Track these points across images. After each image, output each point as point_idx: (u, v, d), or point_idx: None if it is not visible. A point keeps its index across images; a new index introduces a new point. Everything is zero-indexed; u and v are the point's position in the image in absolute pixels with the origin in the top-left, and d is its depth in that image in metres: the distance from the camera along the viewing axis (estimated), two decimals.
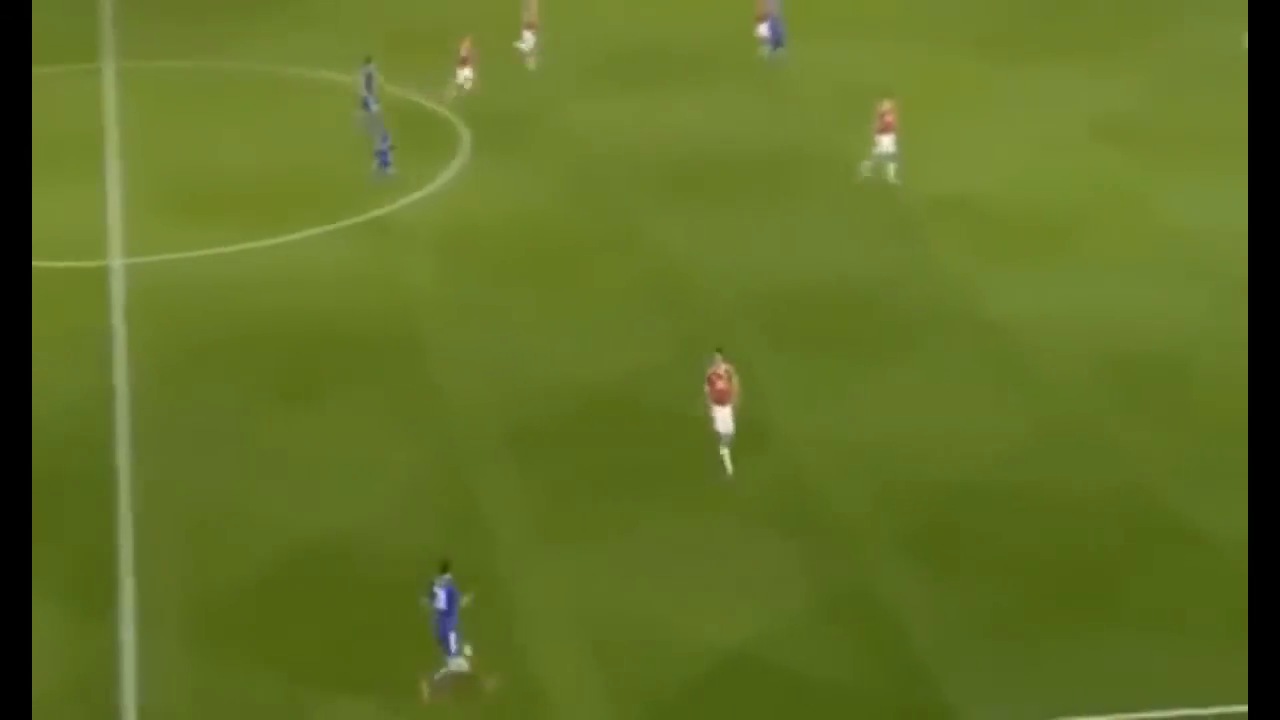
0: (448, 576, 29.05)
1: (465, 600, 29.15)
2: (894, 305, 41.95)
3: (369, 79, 52.54)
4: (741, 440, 34.61)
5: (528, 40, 57.62)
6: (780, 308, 42.04)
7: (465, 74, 54.81)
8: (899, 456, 35.87)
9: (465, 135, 52.92)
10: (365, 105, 52.34)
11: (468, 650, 29.13)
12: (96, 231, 47.08)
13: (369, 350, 40.64)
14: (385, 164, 50.09)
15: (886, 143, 48.57)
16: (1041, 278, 42.48)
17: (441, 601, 28.93)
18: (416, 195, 49.23)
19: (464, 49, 54.99)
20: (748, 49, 57.28)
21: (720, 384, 34.84)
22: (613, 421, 37.15)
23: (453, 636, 29.02)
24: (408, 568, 31.11)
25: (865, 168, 48.62)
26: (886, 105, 48.81)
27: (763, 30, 57.81)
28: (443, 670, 29.14)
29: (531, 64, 57.54)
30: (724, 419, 34.75)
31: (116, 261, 45.48)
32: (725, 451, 34.84)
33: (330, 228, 47.16)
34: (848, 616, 31.33)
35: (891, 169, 48.49)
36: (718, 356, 35.31)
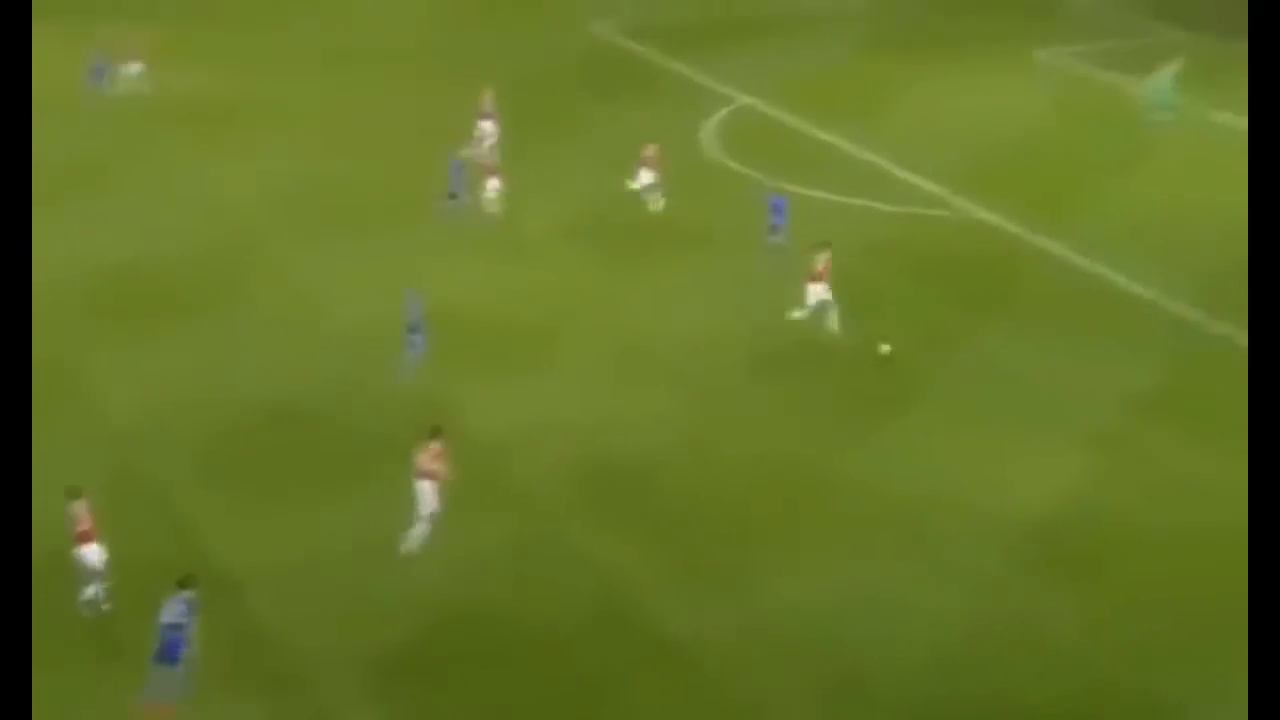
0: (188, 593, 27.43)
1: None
2: (348, 427, 35.54)
3: None
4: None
5: None
6: (218, 438, 35.08)
7: None
8: (346, 579, 30.56)
9: None
10: None
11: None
12: None
13: None
14: None
15: None
16: (509, 386, 37.30)
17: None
18: None
19: None
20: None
21: (429, 465, 31.45)
22: None
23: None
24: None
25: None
26: None
27: None
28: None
29: None
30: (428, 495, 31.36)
31: None
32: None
33: None
34: None
35: None
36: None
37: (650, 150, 46.69)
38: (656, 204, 46.52)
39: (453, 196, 45.86)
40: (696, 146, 51.88)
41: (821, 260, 39.48)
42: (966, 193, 48.04)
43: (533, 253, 44.19)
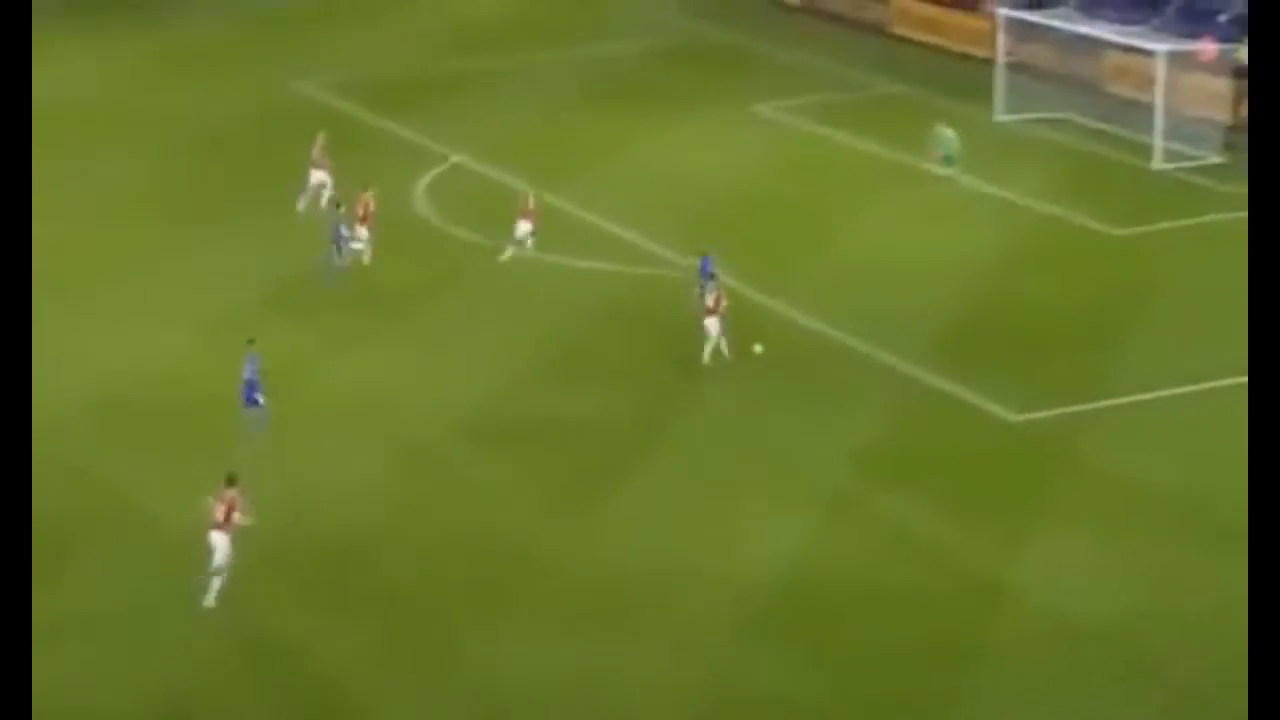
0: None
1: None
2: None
3: None
4: None
5: None
6: None
7: None
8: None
9: None
10: None
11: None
12: None
13: None
14: None
15: None
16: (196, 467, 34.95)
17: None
18: None
19: None
20: None
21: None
22: None
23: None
24: None
25: None
26: None
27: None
28: None
29: None
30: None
31: None
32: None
33: None
34: None
35: None
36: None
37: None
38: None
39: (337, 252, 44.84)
40: (409, 207, 50.55)
41: None
42: (689, 251, 47.49)
43: (230, 321, 42.50)
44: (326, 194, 48.75)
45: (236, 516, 31.01)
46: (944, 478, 36.06)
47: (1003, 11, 60.93)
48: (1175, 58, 55.35)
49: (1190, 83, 56.58)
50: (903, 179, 52.99)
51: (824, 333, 43.02)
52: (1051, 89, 59.11)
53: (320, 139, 49.91)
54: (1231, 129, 55.42)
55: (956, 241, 48.63)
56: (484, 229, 48.51)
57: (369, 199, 46.13)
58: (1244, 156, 54.17)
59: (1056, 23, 59.76)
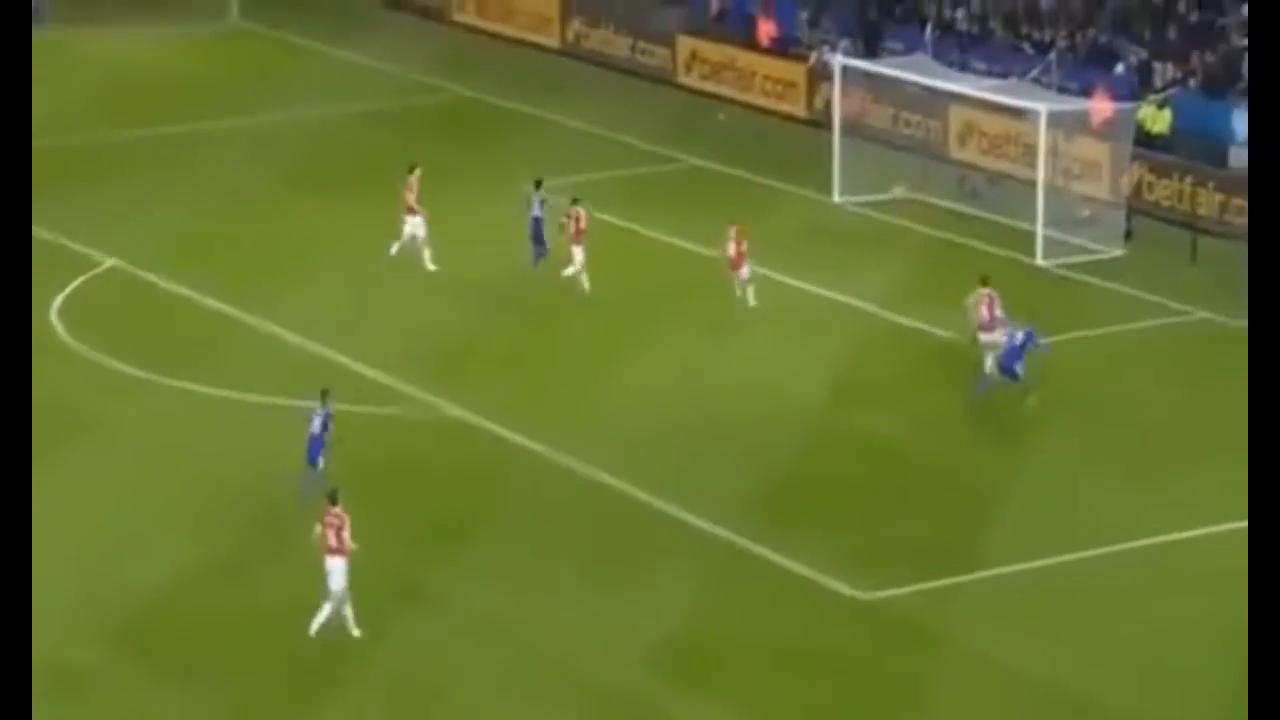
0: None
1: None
2: None
3: None
4: None
5: None
6: None
7: None
8: None
9: None
10: None
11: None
12: None
13: None
14: None
15: None
16: None
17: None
18: None
19: None
20: None
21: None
22: None
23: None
24: None
25: None
26: None
27: None
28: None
29: None
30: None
31: None
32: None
33: None
34: None
35: None
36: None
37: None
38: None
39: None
40: (41, 330, 50.20)
41: None
42: (426, 383, 47.87)
43: None
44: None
45: (346, 537, 37.07)
46: (774, 676, 36.34)
47: (836, 59, 62.12)
48: (1061, 119, 56.72)
49: (1081, 152, 58.16)
50: (712, 282, 53.45)
51: (611, 486, 43.50)
52: (905, 160, 60.54)
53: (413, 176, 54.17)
54: (1136, 212, 57.07)
55: (782, 362, 49.58)
56: (150, 357, 48.83)
57: (580, 214, 52.02)
58: (1151, 249, 55.95)
59: (907, 74, 60.60)
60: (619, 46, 73.53)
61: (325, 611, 37.17)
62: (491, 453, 43.81)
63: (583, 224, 52.40)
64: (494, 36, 77.47)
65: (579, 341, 51.21)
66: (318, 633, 37.08)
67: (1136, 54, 62.71)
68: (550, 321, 52.24)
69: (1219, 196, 57.19)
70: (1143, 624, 37.85)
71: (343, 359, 49.37)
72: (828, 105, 62.08)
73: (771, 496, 42.94)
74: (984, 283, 47.25)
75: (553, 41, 75.75)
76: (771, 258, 53.71)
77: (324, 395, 42.31)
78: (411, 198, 54.16)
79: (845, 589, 39.25)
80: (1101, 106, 58.21)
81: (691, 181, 62.43)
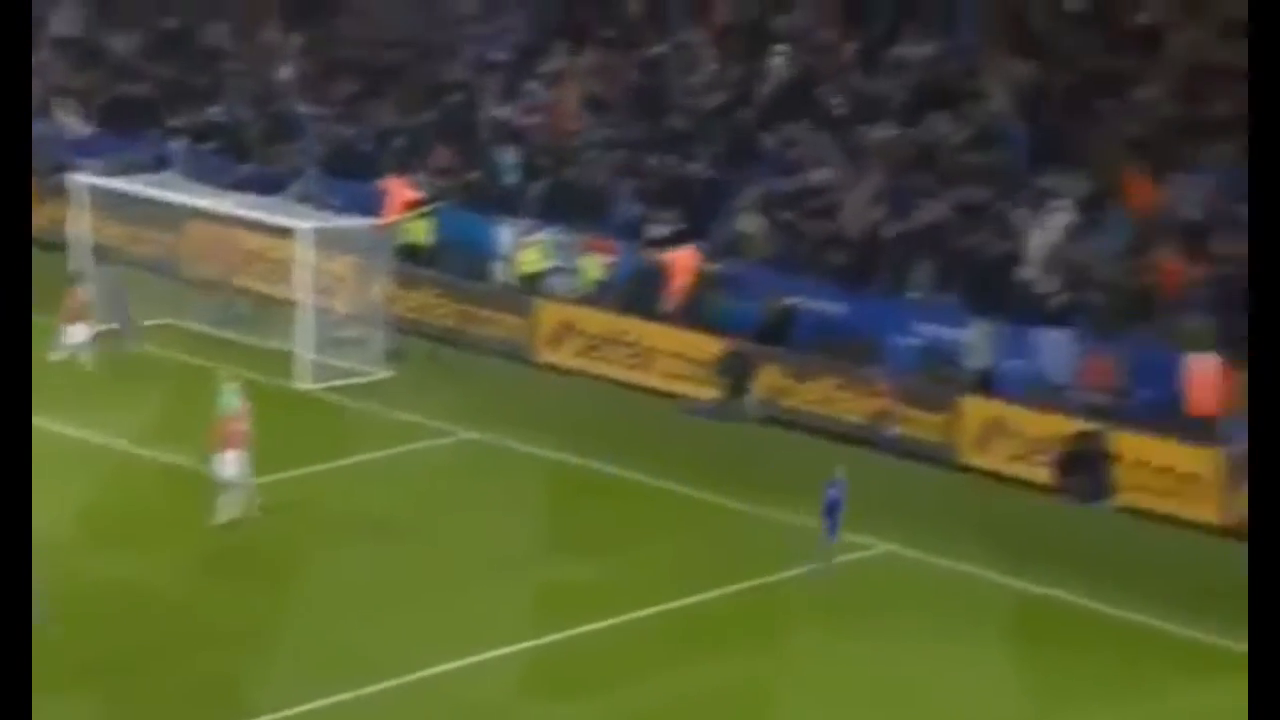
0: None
1: None
2: None
3: None
4: None
5: None
6: None
7: None
8: None
9: None
10: None
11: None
12: None
13: None
14: None
15: None
16: None
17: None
18: None
19: None
20: None
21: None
22: None
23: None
24: None
25: None
26: None
27: None
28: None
29: None
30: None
31: None
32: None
33: None
34: None
35: None
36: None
37: None
38: None
39: None
40: None
41: None
42: None
43: None
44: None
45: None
46: None
47: (81, 179, 60.53)
48: (322, 236, 56.49)
49: (341, 270, 58.00)
50: None
51: None
52: (171, 287, 59.92)
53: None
54: (406, 331, 57.34)
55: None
56: None
57: None
58: (417, 368, 56.04)
59: (151, 190, 59.25)
60: None
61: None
62: None
63: None
64: None
65: None
66: None
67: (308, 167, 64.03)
68: None
69: (484, 311, 58.16)
70: None
71: None
72: (83, 226, 60.07)
73: None
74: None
75: None
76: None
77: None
78: None
79: None
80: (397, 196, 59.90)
81: None
